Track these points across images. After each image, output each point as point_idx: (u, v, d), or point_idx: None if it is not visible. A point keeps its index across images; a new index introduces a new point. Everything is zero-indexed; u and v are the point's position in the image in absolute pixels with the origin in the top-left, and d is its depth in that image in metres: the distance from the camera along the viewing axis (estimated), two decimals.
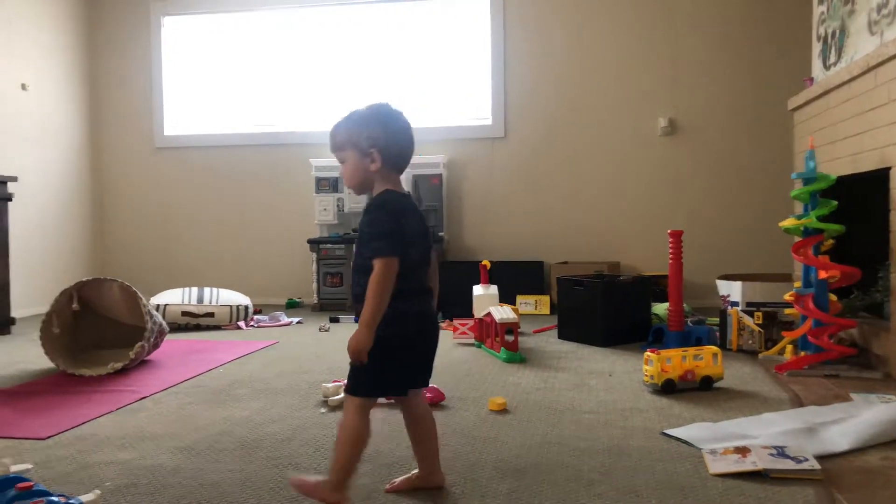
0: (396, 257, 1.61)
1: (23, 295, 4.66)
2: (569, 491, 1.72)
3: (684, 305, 3.46)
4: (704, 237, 4.87)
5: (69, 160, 5.45)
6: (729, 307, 3.58)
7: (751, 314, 3.33)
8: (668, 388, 2.59)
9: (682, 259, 3.36)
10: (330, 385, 2.59)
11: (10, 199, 4.30)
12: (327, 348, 3.63)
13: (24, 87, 5.00)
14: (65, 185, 5.40)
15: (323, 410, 2.46)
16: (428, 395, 2.49)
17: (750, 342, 3.29)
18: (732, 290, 3.80)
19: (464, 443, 2.08)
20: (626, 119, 5.07)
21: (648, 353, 2.64)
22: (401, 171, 1.75)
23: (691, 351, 2.68)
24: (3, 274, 4.22)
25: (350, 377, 1.70)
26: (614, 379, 2.87)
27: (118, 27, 5.67)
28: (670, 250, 3.35)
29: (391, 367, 1.67)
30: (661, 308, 3.86)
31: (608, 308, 3.58)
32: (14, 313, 4.33)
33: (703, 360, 2.65)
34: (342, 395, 2.53)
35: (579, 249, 5.12)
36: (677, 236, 3.35)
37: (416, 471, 1.79)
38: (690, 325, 3.51)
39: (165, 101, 5.65)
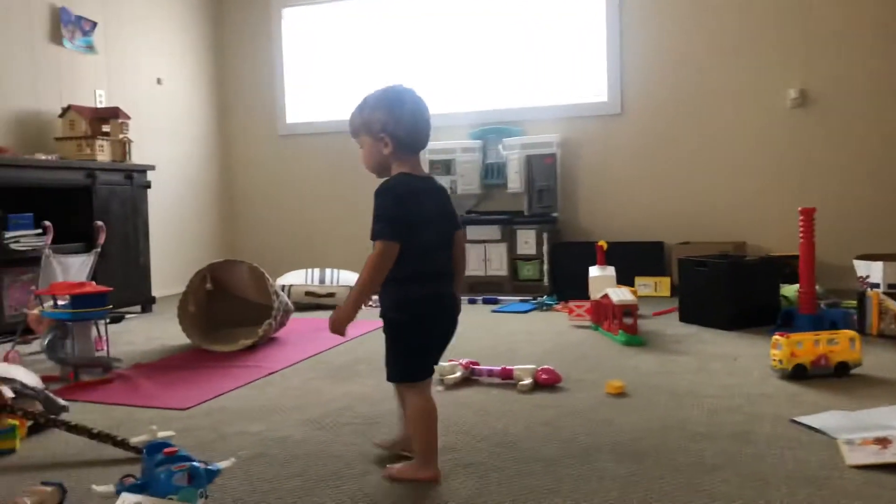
0: (396, 242, 1.63)
1: (161, 276, 5.00)
2: (691, 476, 1.67)
3: (816, 287, 3.27)
4: (839, 215, 4.56)
5: (200, 149, 5.78)
6: (868, 289, 3.34)
7: (894, 297, 3.09)
8: (798, 374, 2.46)
9: (814, 238, 3.16)
10: (446, 364, 2.63)
11: (149, 187, 4.62)
12: None
13: (159, 81, 5.33)
14: (196, 172, 5.73)
15: (439, 388, 2.50)
16: (543, 376, 2.48)
17: (892, 327, 3.07)
18: (872, 271, 3.54)
19: (580, 425, 2.06)
20: (751, 91, 4.80)
21: (777, 337, 2.51)
22: (416, 152, 1.76)
23: (825, 335, 2.52)
24: (144, 256, 4.55)
25: (386, 365, 1.75)
26: (739, 363, 2.75)
27: (242, 21, 5.94)
28: (801, 229, 3.16)
29: (411, 349, 1.70)
30: (790, 290, 3.65)
31: (733, 290, 3.43)
32: (154, 293, 4.67)
33: (839, 344, 2.50)
34: (458, 374, 2.57)
35: (702, 229, 4.92)
36: (809, 214, 3.16)
37: (398, 433, 1.86)
38: (824, 307, 3.31)
39: (287, 91, 5.87)
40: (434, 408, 1.71)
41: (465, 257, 1.83)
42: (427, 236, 1.68)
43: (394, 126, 1.70)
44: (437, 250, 1.72)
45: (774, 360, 2.53)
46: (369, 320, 3.88)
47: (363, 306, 1.71)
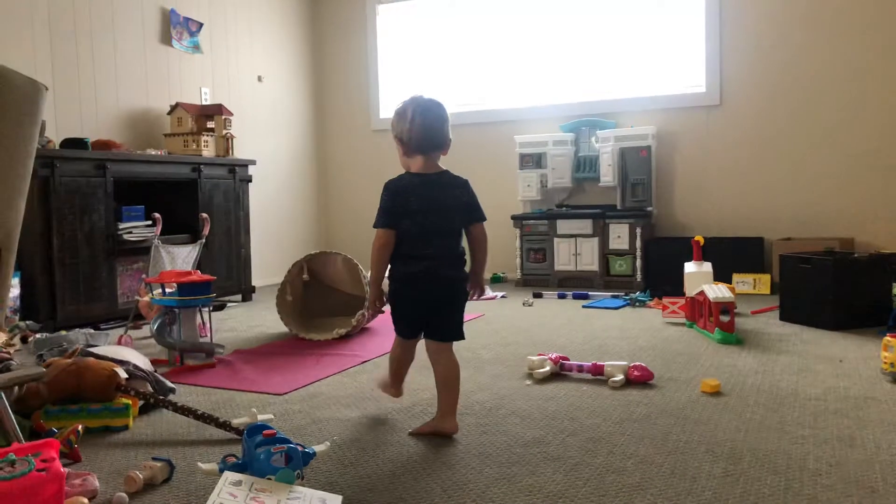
0: (387, 229, 1.98)
1: (260, 266, 5.20)
2: (791, 479, 1.61)
3: None
4: None
5: (297, 144, 5.97)
6: None
7: None
8: None
9: None
10: (535, 358, 2.62)
11: (250, 181, 4.81)
12: (531, 322, 3.67)
13: (259, 79, 5.54)
14: (294, 167, 5.92)
15: (528, 382, 2.50)
16: (635, 372, 2.44)
17: None
18: None
19: (673, 423, 2.01)
20: (860, 81, 4.54)
21: (889, 339, 2.38)
22: (424, 153, 2.03)
23: None
24: (245, 248, 4.74)
25: None
26: (846, 365, 2.62)
27: (338, 19, 6.08)
28: None
29: (396, 314, 2.06)
30: None
31: (840, 288, 3.27)
32: (254, 282, 4.86)
33: None
34: (548, 368, 2.56)
35: (805, 225, 4.70)
36: None
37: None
38: None
39: (380, 87, 5.98)
40: (404, 360, 2.14)
41: (485, 248, 2.08)
42: (406, 226, 1.98)
43: (400, 132, 2.05)
44: (420, 239, 1.98)
45: (885, 362, 2.39)
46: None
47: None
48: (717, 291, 3.19)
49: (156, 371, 2.43)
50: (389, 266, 2.03)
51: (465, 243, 2.05)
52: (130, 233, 3.91)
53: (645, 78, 5.15)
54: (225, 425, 2.00)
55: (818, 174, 4.69)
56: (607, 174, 4.95)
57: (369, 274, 2.02)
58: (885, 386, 2.33)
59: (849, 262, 3.39)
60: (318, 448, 1.67)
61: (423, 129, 2.02)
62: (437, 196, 2.01)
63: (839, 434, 1.89)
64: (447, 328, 2.03)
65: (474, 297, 2.10)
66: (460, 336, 2.05)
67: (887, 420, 1.98)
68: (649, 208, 4.87)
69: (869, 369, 2.53)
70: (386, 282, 2.06)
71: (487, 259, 2.11)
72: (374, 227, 2.00)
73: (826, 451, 1.77)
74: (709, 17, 4.89)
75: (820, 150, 4.67)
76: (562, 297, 4.53)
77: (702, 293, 3.28)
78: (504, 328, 3.52)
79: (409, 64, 5.92)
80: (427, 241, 1.99)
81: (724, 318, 3.11)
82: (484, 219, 2.07)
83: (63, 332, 3.20)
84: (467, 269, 2.07)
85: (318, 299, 3.73)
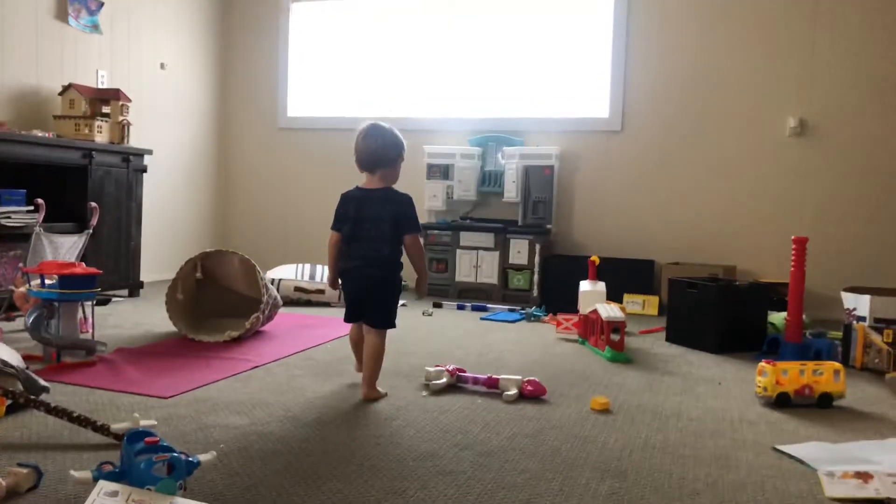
0: (334, 231, 2.48)
1: (151, 261, 4.97)
2: (672, 499, 1.67)
3: (803, 316, 3.28)
4: (830, 246, 4.59)
5: (199, 136, 5.76)
6: (854, 322, 3.36)
7: (879, 331, 3.11)
8: (782, 402, 2.47)
9: (804, 268, 3.18)
10: (432, 369, 2.62)
11: (145, 171, 4.60)
12: (429, 332, 3.68)
13: (162, 66, 5.31)
14: (194, 159, 5.71)
15: (424, 394, 2.50)
16: (529, 387, 2.49)
17: (876, 361, 3.09)
18: (859, 304, 3.56)
19: (563, 440, 2.06)
20: (751, 118, 4.83)
21: (763, 364, 2.52)
22: (369, 169, 2.47)
23: (810, 365, 2.54)
24: (135, 240, 4.52)
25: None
26: (724, 387, 2.76)
27: (249, 12, 5.92)
28: (793, 258, 3.17)
29: (345, 303, 2.53)
30: (777, 317, 3.67)
31: (722, 313, 3.45)
32: (142, 278, 4.64)
33: (824, 375, 2.51)
34: (444, 380, 2.56)
35: (693, 251, 4.95)
36: (802, 244, 3.17)
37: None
38: (809, 337, 3.32)
39: (290, 84, 5.86)
40: (354, 338, 2.59)
41: (420, 256, 2.53)
42: (346, 230, 2.44)
43: (356, 153, 2.49)
44: (349, 240, 2.44)
45: (759, 386, 2.54)
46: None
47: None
48: (610, 311, 3.30)
49: (28, 368, 2.27)
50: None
51: None
52: (9, 217, 3.64)
53: (552, 100, 5.28)
54: (103, 429, 1.89)
55: (707, 203, 4.94)
56: (511, 190, 5.04)
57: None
58: (758, 409, 2.47)
59: (732, 289, 3.58)
60: (203, 457, 1.60)
61: (363, 151, 2.45)
62: (371, 208, 2.42)
63: (716, 454, 1.98)
64: (371, 316, 2.45)
65: (418, 298, 2.68)
66: (382, 325, 2.45)
67: (760, 442, 2.10)
68: (549, 226, 4.99)
69: (745, 392, 2.68)
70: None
71: (426, 266, 2.57)
72: (332, 228, 2.49)
73: (703, 471, 1.85)
74: (615, 46, 5.07)
75: (711, 179, 4.93)
76: (461, 308, 4.56)
77: (595, 311, 3.38)
78: (402, 338, 3.51)
79: (321, 65, 5.84)
80: (357, 244, 2.42)
81: (615, 337, 3.22)
82: (414, 231, 2.46)
83: None
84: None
85: (210, 299, 3.60)
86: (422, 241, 2.68)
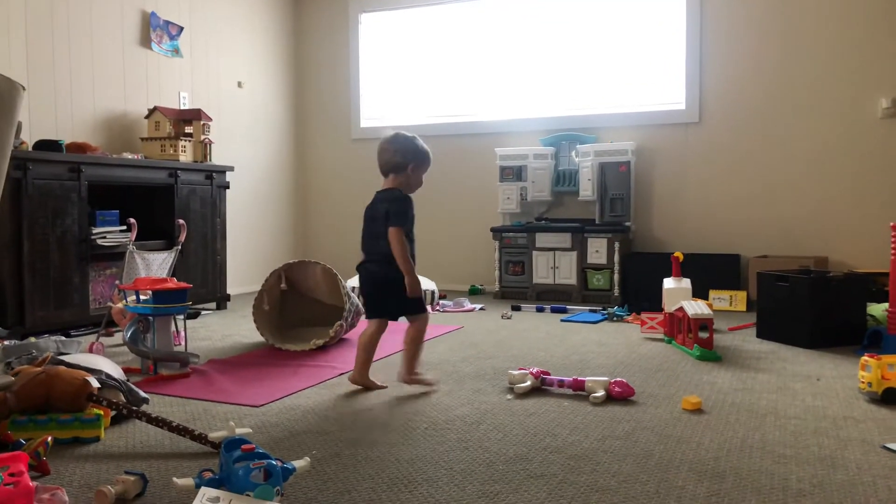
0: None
1: (236, 274, 5.13)
2: (775, 500, 1.60)
3: None
4: None
5: (277, 151, 5.92)
6: None
7: None
8: (889, 398, 2.34)
9: None
10: (516, 372, 2.60)
11: (228, 187, 4.75)
12: (510, 336, 3.66)
13: (239, 84, 5.48)
14: (273, 174, 5.86)
15: (509, 397, 2.48)
16: (616, 389, 2.44)
17: None
18: None
19: (656, 441, 2.00)
20: (838, 100, 4.62)
21: (867, 358, 2.39)
22: (384, 173, 2.68)
23: None
24: (221, 254, 4.68)
25: None
26: (823, 384, 2.63)
27: (320, 26, 6.05)
28: (893, 245, 3.01)
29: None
30: (878, 309, 3.48)
31: (817, 307, 3.30)
32: (229, 290, 4.79)
33: None
34: (528, 383, 2.54)
35: (781, 243, 4.76)
36: None
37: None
38: None
39: (362, 96, 5.95)
40: (365, 334, 2.64)
41: (396, 251, 2.54)
42: (362, 231, 2.67)
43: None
44: (362, 240, 2.67)
45: (863, 382, 2.41)
46: (435, 325, 3.89)
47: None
48: (696, 308, 3.20)
49: (128, 380, 2.37)
50: None
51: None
52: (104, 238, 3.83)
53: (625, 94, 5.19)
54: (201, 438, 1.95)
55: (793, 193, 4.75)
56: (587, 188, 4.97)
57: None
58: (862, 405, 2.34)
59: (826, 280, 3.42)
60: (297, 464, 1.63)
61: (379, 158, 2.67)
62: (374, 208, 2.63)
63: (820, 454, 1.89)
64: (384, 310, 2.66)
65: (408, 295, 2.55)
66: (392, 318, 2.68)
67: (867, 440, 1.99)
68: (627, 223, 4.89)
69: (846, 388, 2.55)
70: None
71: (412, 260, 2.57)
72: None
73: (808, 472, 1.77)
74: (689, 34, 4.94)
75: (797, 167, 4.74)
76: (540, 310, 4.52)
77: (681, 309, 3.29)
78: (483, 341, 3.50)
79: (392, 74, 5.91)
80: (365, 243, 2.66)
81: (703, 335, 3.12)
82: (394, 224, 2.54)
83: (32, 339, 3.11)
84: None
85: (295, 309, 3.68)
86: (402, 235, 2.56)
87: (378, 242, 2.57)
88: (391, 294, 2.57)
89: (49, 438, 1.83)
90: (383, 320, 2.67)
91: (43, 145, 3.69)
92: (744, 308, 4.42)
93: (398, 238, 2.53)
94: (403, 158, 2.61)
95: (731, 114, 4.88)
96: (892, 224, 3.04)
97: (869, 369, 2.38)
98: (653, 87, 5.12)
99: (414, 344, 2.61)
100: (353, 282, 4.66)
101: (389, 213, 2.55)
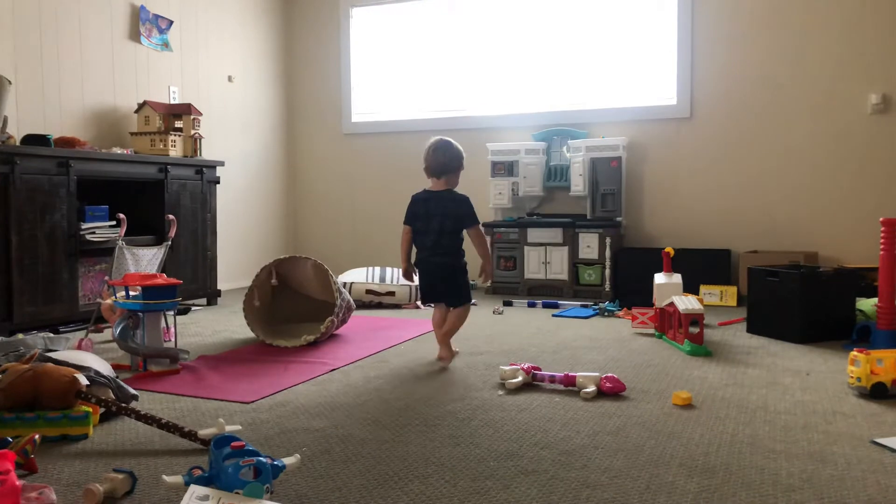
0: (406, 225, 3.02)
1: (227, 270, 5.11)
2: (765, 495, 1.60)
3: None
4: None
5: (267, 146, 5.89)
6: None
7: None
8: (878, 393, 2.35)
9: (895, 251, 3.02)
10: (507, 368, 2.60)
11: (218, 182, 4.73)
12: (501, 331, 3.66)
13: (230, 79, 5.45)
14: (263, 169, 5.84)
15: (500, 392, 2.48)
16: (608, 384, 2.44)
17: None
18: None
19: (647, 437, 2.01)
20: (828, 96, 4.63)
21: (856, 353, 2.41)
22: (436, 175, 2.99)
23: None
24: (212, 250, 4.65)
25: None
26: (812, 378, 2.65)
27: (311, 20, 6.02)
28: (882, 241, 3.02)
29: (420, 287, 3.08)
30: (867, 304, 3.50)
31: (806, 301, 3.31)
32: (219, 286, 4.77)
33: None
34: (520, 378, 2.54)
35: (771, 238, 4.78)
36: (891, 225, 3.01)
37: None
38: None
39: (353, 90, 5.93)
40: (435, 320, 3.03)
41: (481, 244, 3.03)
42: (418, 226, 2.98)
43: (425, 161, 3.01)
44: (423, 234, 2.96)
45: (852, 377, 2.42)
46: (426, 320, 3.89)
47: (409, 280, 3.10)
48: (687, 303, 3.21)
49: (118, 377, 2.35)
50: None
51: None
52: (94, 233, 3.80)
53: (617, 89, 5.19)
54: (190, 435, 1.94)
55: (784, 188, 4.76)
56: (578, 184, 4.97)
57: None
58: (851, 400, 2.35)
59: (815, 276, 3.44)
60: (287, 461, 1.62)
61: (434, 161, 2.97)
62: (437, 207, 2.94)
63: (810, 449, 1.90)
64: (445, 297, 2.99)
65: (484, 281, 3.15)
66: (456, 304, 2.97)
67: (856, 435, 2.00)
68: (619, 218, 4.90)
69: (835, 383, 2.56)
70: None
71: (488, 252, 3.10)
72: (404, 223, 3.02)
73: (798, 467, 1.77)
74: (681, 30, 4.95)
75: (787, 164, 4.75)
76: (531, 305, 4.52)
77: (672, 304, 3.30)
78: (475, 336, 3.50)
79: (383, 68, 5.89)
80: (427, 236, 2.94)
81: (694, 330, 3.13)
82: (474, 224, 2.98)
83: (20, 336, 3.09)
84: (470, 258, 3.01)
85: (286, 305, 3.67)
86: (482, 229, 3.10)
87: (443, 237, 2.92)
88: (452, 279, 2.96)
89: (37, 436, 1.81)
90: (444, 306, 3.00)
91: (31, 140, 3.66)
92: (734, 303, 4.43)
93: (482, 234, 3.04)
94: (456, 163, 2.98)
95: (721, 109, 4.89)
96: (881, 219, 3.05)
97: (858, 364, 2.39)
98: (644, 83, 5.12)
99: (457, 327, 2.99)
100: (344, 277, 4.66)
101: (463, 215, 2.95)
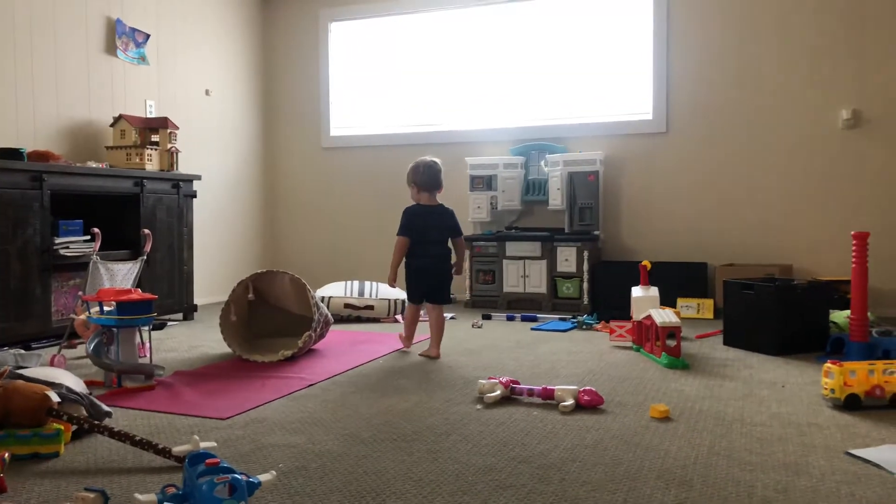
0: (404, 237, 3.37)
1: (203, 284, 5.06)
2: None
3: (868, 314, 3.16)
4: (892, 239, 4.43)
5: (245, 160, 5.86)
6: None
7: None
8: (851, 405, 2.38)
9: (867, 264, 3.07)
10: (485, 382, 2.60)
11: (195, 197, 4.69)
12: (480, 345, 3.65)
13: (207, 92, 5.43)
14: (241, 183, 5.81)
15: (479, 407, 2.48)
16: (586, 397, 2.44)
17: None
18: None
19: (625, 450, 2.01)
20: (801, 111, 4.71)
21: (829, 365, 2.43)
22: (428, 191, 3.43)
23: (879, 365, 2.44)
24: (188, 264, 4.61)
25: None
26: (788, 390, 2.67)
27: (289, 34, 6.03)
28: (854, 254, 3.06)
29: (409, 287, 3.43)
30: (840, 316, 3.55)
31: (781, 314, 3.34)
32: (196, 301, 4.72)
33: (895, 375, 2.41)
34: (498, 392, 2.54)
35: (746, 251, 4.83)
36: (862, 239, 3.06)
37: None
38: (876, 335, 3.19)
39: (332, 104, 5.93)
40: (410, 318, 3.53)
41: (462, 248, 3.54)
42: (414, 237, 3.36)
43: (416, 179, 3.43)
44: (422, 244, 3.37)
45: (826, 388, 2.45)
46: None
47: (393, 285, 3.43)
48: (664, 316, 3.23)
49: (91, 394, 2.32)
50: (405, 258, 3.38)
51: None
52: (67, 248, 3.75)
53: (593, 104, 5.24)
54: (164, 452, 1.91)
55: (760, 201, 4.83)
56: (556, 198, 5.00)
57: (391, 261, 3.40)
58: (826, 412, 2.38)
59: (790, 288, 3.48)
60: (262, 477, 1.61)
61: (429, 177, 3.41)
62: (434, 219, 3.40)
63: (785, 461, 1.91)
64: (438, 297, 3.40)
65: (457, 272, 3.47)
66: (448, 300, 3.45)
67: (831, 446, 2.02)
68: (596, 232, 4.93)
69: (810, 395, 2.59)
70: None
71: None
72: (398, 234, 3.38)
73: (773, 478, 1.79)
74: (656, 46, 5.01)
75: (762, 177, 4.82)
76: (510, 318, 4.53)
77: (649, 317, 3.32)
78: (454, 350, 3.50)
79: (362, 83, 5.90)
80: (427, 245, 3.37)
81: (671, 343, 3.15)
82: (461, 234, 3.48)
83: None
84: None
85: (263, 319, 3.64)
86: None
87: (442, 247, 3.41)
88: (447, 283, 3.42)
89: (6, 455, 1.78)
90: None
91: (3, 153, 3.60)
92: (711, 316, 4.47)
93: (464, 243, 3.64)
94: (441, 178, 3.46)
95: (697, 124, 4.96)
96: (852, 233, 3.09)
97: (832, 376, 2.42)
98: (620, 98, 5.17)
99: (442, 328, 3.40)
100: (322, 291, 4.63)
101: (453, 227, 3.44)
